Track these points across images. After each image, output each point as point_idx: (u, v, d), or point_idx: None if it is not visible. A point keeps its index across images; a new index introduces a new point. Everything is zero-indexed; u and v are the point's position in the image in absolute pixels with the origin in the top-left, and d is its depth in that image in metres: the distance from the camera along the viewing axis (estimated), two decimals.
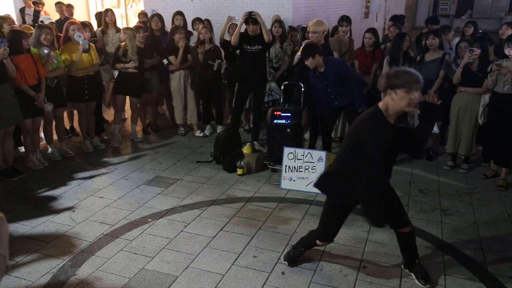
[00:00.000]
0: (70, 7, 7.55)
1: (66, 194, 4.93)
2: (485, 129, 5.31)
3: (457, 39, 6.87)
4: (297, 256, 3.66)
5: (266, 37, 5.97)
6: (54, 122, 5.90)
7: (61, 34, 5.96)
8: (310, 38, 5.62)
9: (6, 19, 5.76)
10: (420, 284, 3.43)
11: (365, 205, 3.25)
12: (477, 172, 5.57)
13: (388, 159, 3.10)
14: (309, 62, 5.14)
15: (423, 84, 3.07)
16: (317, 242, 3.53)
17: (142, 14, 7.99)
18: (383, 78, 3.09)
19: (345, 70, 5.31)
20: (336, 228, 3.48)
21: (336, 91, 5.29)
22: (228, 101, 7.49)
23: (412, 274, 3.51)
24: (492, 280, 3.50)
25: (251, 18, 5.98)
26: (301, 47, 5.49)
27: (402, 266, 3.63)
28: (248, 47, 6.01)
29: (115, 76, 6.61)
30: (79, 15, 8.87)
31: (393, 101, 2.99)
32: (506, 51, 4.91)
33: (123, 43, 6.22)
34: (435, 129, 5.73)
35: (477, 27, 6.84)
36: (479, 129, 5.42)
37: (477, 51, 5.15)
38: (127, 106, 6.95)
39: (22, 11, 8.21)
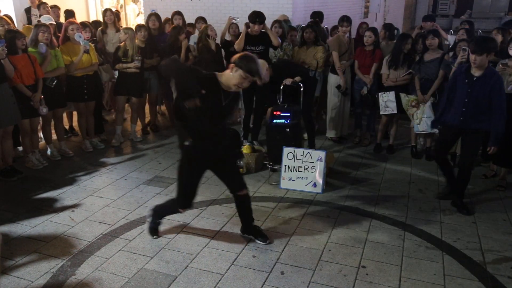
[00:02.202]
0: (55, 8, 7.46)
1: (65, 194, 4.93)
2: None
3: (452, 37, 6.91)
4: (157, 226, 4.06)
5: (275, 41, 6.06)
6: (53, 122, 5.90)
7: (60, 34, 5.96)
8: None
9: (0, 19, 5.76)
10: (260, 242, 3.92)
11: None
12: (476, 172, 5.56)
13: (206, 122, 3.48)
14: (478, 60, 4.19)
15: (261, 78, 3.45)
16: (179, 210, 3.87)
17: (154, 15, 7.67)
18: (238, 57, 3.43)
19: (499, 90, 4.28)
20: (192, 193, 3.78)
21: (475, 107, 4.35)
22: None
23: (251, 236, 3.98)
24: (492, 280, 3.50)
25: (258, 18, 5.95)
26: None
27: (240, 233, 4.06)
28: (252, 48, 6.00)
29: (115, 76, 6.61)
30: (79, 16, 8.84)
31: (230, 75, 3.39)
32: (511, 51, 4.91)
33: (122, 43, 6.22)
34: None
35: (473, 27, 6.82)
36: None
37: None
38: (126, 106, 6.95)
39: (27, 11, 8.18)
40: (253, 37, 6.06)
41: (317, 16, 7.63)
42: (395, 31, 7.15)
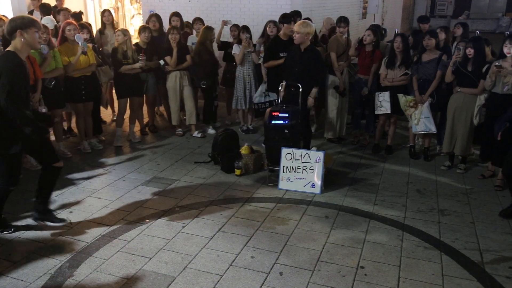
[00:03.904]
0: (66, 11, 7.44)
1: (63, 195, 4.92)
2: (482, 129, 5.32)
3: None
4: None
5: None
6: None
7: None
8: (294, 38, 5.59)
9: None
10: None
11: None
12: (474, 172, 5.57)
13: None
14: None
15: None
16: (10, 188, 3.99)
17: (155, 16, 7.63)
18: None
19: None
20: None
21: None
22: (226, 102, 7.51)
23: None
24: (490, 280, 3.50)
25: (286, 16, 5.81)
26: None
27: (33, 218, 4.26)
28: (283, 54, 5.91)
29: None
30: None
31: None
32: (506, 49, 4.92)
33: (118, 44, 6.19)
34: (432, 128, 5.74)
35: (467, 28, 6.85)
36: (476, 129, 5.42)
37: (470, 51, 5.17)
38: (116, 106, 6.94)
39: (30, 13, 8.19)
40: (284, 42, 5.93)
41: (296, 15, 7.64)
42: (383, 31, 7.19)
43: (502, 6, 23.51)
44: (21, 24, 3.63)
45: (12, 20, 3.74)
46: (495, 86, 5.00)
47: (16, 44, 3.65)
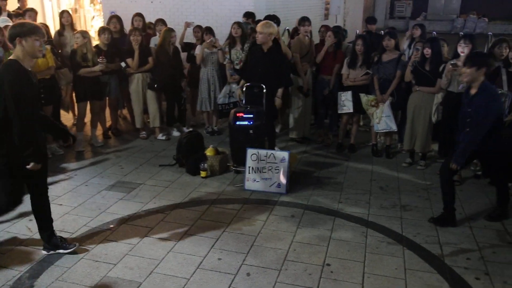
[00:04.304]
0: (32, 11, 7.17)
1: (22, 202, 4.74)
2: (440, 127, 5.48)
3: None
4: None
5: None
6: None
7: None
8: (256, 38, 5.60)
9: None
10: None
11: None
12: (434, 168, 5.74)
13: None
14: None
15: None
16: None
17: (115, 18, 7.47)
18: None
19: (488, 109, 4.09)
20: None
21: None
22: (191, 103, 7.45)
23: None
24: (449, 272, 3.61)
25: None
26: None
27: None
28: None
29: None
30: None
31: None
32: (460, 49, 5.09)
33: (77, 47, 6.04)
34: (393, 127, 5.88)
35: (424, 29, 7.07)
36: (434, 127, 5.59)
37: (428, 51, 5.33)
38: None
39: None
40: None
41: (249, 16, 7.70)
42: (344, 33, 7.36)
43: (456, 8, 24.40)
44: (19, 31, 3.38)
45: (12, 26, 3.51)
46: (450, 84, 5.17)
47: (17, 52, 3.41)
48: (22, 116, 3.30)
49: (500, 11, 23.92)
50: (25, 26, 3.42)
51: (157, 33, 7.19)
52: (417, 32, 6.97)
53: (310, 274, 3.57)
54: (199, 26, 7.02)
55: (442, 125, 5.41)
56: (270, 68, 5.53)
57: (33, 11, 7.04)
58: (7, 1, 7.99)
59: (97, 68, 6.05)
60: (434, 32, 8.57)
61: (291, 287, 3.41)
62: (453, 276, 3.56)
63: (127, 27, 7.36)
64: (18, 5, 8.21)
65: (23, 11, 7.25)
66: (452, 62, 5.08)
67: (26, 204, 4.67)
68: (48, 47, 5.80)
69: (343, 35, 6.97)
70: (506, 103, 5.02)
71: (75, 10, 12.30)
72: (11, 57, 3.42)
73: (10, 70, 3.32)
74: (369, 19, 7.95)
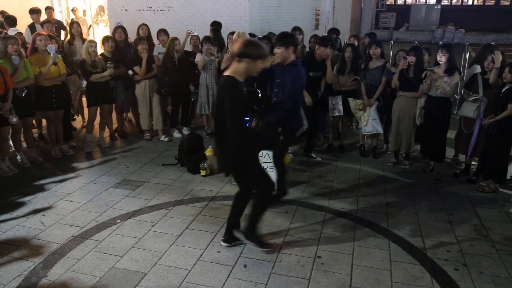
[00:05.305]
0: (49, 23, 7.21)
1: (36, 199, 4.74)
2: (422, 128, 5.52)
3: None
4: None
5: (330, 77, 5.74)
6: (22, 130, 5.66)
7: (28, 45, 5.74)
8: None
9: None
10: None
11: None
12: (417, 167, 5.77)
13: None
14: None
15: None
16: (273, 193, 3.65)
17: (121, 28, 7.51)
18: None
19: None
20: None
21: None
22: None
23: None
24: (431, 263, 3.63)
25: (330, 41, 5.59)
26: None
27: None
28: (312, 73, 5.58)
29: (83, 86, 6.42)
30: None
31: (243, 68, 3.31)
32: (438, 57, 5.15)
33: (85, 56, 6.01)
34: (379, 129, 5.91)
35: (374, 36, 7.11)
36: (418, 129, 5.62)
37: (412, 58, 5.36)
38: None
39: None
40: (316, 62, 5.66)
41: (216, 25, 7.73)
42: (336, 42, 7.39)
43: (436, 19, 24.57)
44: (253, 53, 3.29)
45: (248, 46, 3.34)
46: (430, 89, 5.21)
47: (239, 67, 3.32)
48: (234, 119, 3.25)
49: (476, 23, 24.17)
50: (258, 50, 3.31)
51: (159, 42, 7.17)
52: (366, 40, 7.16)
53: (302, 265, 3.58)
54: (197, 37, 7.08)
55: (424, 127, 5.44)
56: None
57: (50, 23, 7.15)
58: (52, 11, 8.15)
59: (106, 73, 6.05)
60: (416, 42, 8.62)
61: (285, 278, 3.42)
62: (434, 267, 3.58)
63: (131, 37, 7.36)
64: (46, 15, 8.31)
65: (42, 22, 7.41)
66: (429, 68, 5.13)
67: (39, 200, 4.68)
68: (60, 55, 5.80)
69: (333, 45, 6.98)
70: (481, 107, 5.08)
71: (84, 20, 12.20)
72: (228, 74, 3.33)
73: (231, 84, 3.29)
74: (332, 30, 8.26)
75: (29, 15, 8.10)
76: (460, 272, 3.52)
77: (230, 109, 3.21)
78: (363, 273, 3.49)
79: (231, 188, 5.07)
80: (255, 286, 3.31)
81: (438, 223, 4.32)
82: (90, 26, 12.15)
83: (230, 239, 3.81)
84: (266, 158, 5.05)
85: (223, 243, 3.83)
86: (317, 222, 4.31)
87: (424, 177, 5.48)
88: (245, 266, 3.56)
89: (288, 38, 4.25)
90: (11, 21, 7.34)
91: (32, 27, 7.90)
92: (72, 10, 10.49)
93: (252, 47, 3.32)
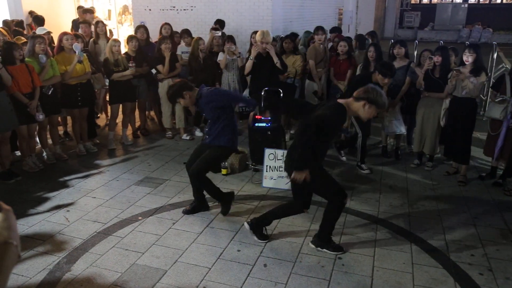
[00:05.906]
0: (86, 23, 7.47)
1: (60, 195, 4.85)
2: (446, 130, 5.41)
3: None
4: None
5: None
6: (48, 127, 5.80)
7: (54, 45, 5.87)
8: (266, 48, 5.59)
9: None
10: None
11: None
12: (440, 169, 5.66)
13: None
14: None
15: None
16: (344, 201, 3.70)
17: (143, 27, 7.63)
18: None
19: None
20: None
21: None
22: None
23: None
24: (454, 267, 3.56)
25: (390, 71, 5.39)
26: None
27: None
28: None
29: (107, 84, 6.54)
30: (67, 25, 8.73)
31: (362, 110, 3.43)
32: (465, 57, 5.03)
33: (109, 55, 6.11)
34: (402, 130, 5.82)
35: (376, 37, 7.16)
36: (442, 130, 5.51)
37: (438, 58, 5.25)
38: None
39: (76, 25, 8.33)
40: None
41: (219, 23, 7.71)
42: (366, 41, 7.25)
43: (462, 19, 24.01)
44: (370, 99, 3.40)
45: (371, 92, 3.45)
46: (455, 89, 5.10)
47: (356, 106, 3.46)
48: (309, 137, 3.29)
49: (504, 22, 23.51)
50: (377, 99, 3.38)
51: (182, 42, 7.23)
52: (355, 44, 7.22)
53: (323, 266, 3.56)
54: (221, 35, 7.09)
55: (448, 128, 5.33)
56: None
57: (87, 23, 7.43)
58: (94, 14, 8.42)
59: (128, 72, 6.14)
60: (441, 41, 8.45)
61: (305, 278, 3.40)
62: (458, 271, 3.51)
63: (153, 36, 7.43)
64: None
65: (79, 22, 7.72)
66: (456, 68, 5.02)
67: (63, 196, 4.78)
68: (85, 54, 5.91)
69: (364, 44, 6.93)
70: (508, 108, 4.94)
71: (106, 19, 12.43)
72: (341, 102, 3.47)
73: (341, 111, 3.42)
74: (333, 29, 8.18)
75: (78, 14, 8.46)
76: (485, 277, 3.44)
77: (315, 125, 3.23)
78: (384, 275, 3.44)
79: (252, 187, 5.08)
80: (274, 286, 3.30)
81: (462, 227, 4.23)
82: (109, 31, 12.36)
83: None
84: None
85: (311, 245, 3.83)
86: (338, 222, 4.26)
87: (448, 179, 5.37)
88: (265, 265, 3.56)
89: None
90: (39, 21, 7.56)
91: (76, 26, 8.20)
92: (87, 10, 10.10)
93: (377, 95, 3.38)
